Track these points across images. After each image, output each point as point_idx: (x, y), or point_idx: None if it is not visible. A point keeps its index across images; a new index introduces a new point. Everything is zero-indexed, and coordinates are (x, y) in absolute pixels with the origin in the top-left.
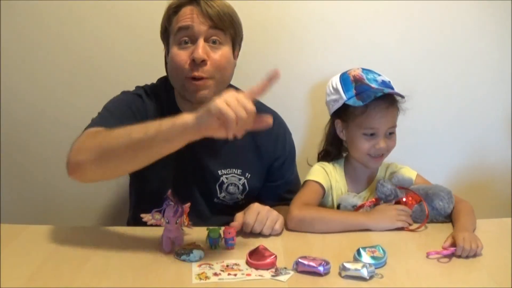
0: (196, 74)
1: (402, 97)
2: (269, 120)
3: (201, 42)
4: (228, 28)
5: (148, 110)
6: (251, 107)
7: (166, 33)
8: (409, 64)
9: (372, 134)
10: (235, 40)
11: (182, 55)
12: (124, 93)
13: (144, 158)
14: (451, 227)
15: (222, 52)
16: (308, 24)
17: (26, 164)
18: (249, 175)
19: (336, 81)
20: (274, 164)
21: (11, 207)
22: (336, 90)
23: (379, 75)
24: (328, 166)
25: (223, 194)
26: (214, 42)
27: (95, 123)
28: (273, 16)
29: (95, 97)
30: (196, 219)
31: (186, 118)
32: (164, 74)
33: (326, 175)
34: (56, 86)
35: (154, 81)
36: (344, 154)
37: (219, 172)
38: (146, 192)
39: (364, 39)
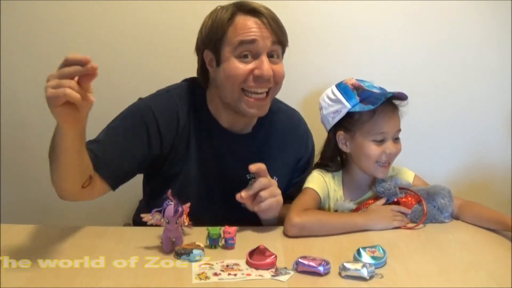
0: (259, 90)
1: (406, 97)
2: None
3: (265, 58)
4: (286, 43)
5: (179, 112)
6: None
7: (218, 42)
8: (409, 64)
9: (381, 140)
10: (284, 50)
11: (242, 68)
12: (134, 108)
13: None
14: (451, 227)
15: (281, 66)
16: (308, 26)
17: (26, 164)
18: (277, 178)
19: (334, 92)
20: (297, 165)
21: (11, 207)
22: (336, 101)
23: (373, 82)
24: (327, 175)
25: None
26: (272, 56)
27: (98, 144)
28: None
29: (95, 97)
30: (214, 222)
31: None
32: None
33: (325, 184)
34: None
35: (156, 81)
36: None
37: (247, 176)
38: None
39: (364, 39)
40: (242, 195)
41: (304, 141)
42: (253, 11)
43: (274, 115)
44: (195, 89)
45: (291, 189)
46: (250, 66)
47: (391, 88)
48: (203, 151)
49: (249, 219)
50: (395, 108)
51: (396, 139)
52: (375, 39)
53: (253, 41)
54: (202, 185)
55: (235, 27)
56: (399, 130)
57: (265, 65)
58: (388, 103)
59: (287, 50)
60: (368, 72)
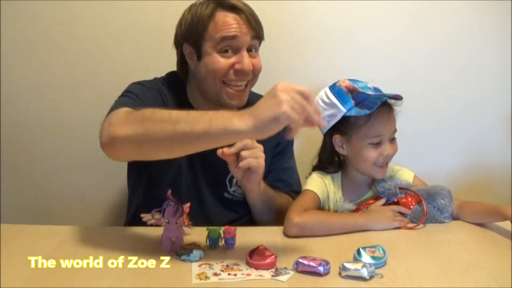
0: (239, 84)
1: (401, 98)
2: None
3: (245, 53)
4: (263, 37)
5: (169, 100)
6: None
7: (198, 37)
8: (409, 65)
9: (377, 143)
10: (261, 41)
11: (223, 62)
12: (141, 82)
13: (184, 151)
14: (450, 227)
15: (258, 60)
16: (308, 25)
17: (26, 164)
18: None
19: (328, 95)
20: (274, 151)
21: (11, 207)
22: (331, 105)
23: (366, 82)
24: (326, 177)
25: (233, 188)
26: (250, 50)
27: (125, 104)
28: (272, 17)
29: (95, 98)
30: (203, 217)
31: (241, 126)
32: (165, 70)
33: (324, 186)
34: (56, 87)
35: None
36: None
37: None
38: (153, 191)
39: (363, 39)
40: (224, 151)
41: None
42: (233, 8)
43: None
44: (175, 82)
45: (269, 176)
46: (231, 60)
47: (390, 88)
48: None
49: (237, 212)
50: (391, 109)
51: (392, 140)
52: (374, 39)
53: (234, 37)
54: (190, 174)
55: (215, 24)
56: (395, 130)
57: (246, 60)
58: (383, 105)
59: (286, 49)
60: (367, 72)
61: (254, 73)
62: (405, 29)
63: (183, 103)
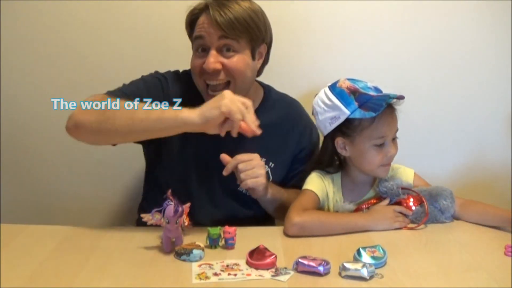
0: (210, 83)
1: (404, 97)
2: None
3: (212, 52)
4: (241, 36)
5: (170, 93)
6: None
7: (190, 38)
8: (408, 64)
9: (381, 144)
10: (255, 43)
11: (195, 61)
12: (147, 76)
13: (139, 137)
14: (451, 227)
15: (237, 59)
16: (308, 24)
17: (26, 164)
18: (273, 165)
19: (330, 97)
20: (299, 155)
21: (11, 207)
22: (333, 107)
23: (366, 82)
24: (326, 177)
25: None
26: (228, 50)
27: (107, 92)
28: (273, 16)
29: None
30: (214, 209)
31: (190, 114)
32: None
33: (323, 186)
34: (56, 86)
35: None
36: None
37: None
38: (169, 184)
39: (363, 39)
40: (224, 172)
41: (307, 133)
42: (207, 9)
43: (276, 102)
44: (187, 74)
45: (295, 179)
46: (202, 60)
47: (390, 88)
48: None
49: (249, 209)
50: (393, 109)
51: (393, 139)
52: (375, 38)
53: (201, 37)
54: (200, 167)
55: (196, 25)
56: (397, 130)
57: (209, 59)
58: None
59: (287, 48)
60: (367, 71)
61: (230, 74)
62: (405, 29)
63: (195, 96)
